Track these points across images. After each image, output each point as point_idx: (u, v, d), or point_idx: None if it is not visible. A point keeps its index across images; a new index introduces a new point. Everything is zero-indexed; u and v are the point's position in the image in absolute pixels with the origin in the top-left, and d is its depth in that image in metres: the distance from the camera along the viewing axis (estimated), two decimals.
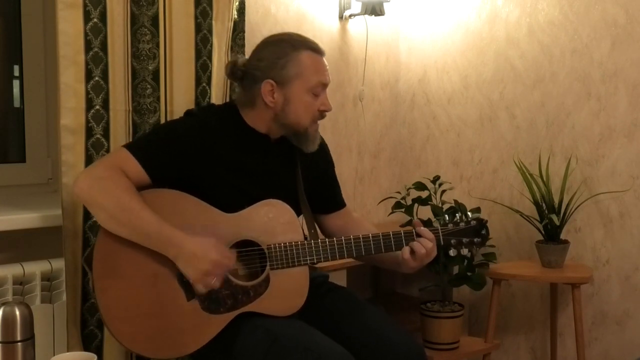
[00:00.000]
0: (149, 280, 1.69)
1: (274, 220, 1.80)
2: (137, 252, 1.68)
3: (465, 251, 1.89)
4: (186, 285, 1.71)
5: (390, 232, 1.85)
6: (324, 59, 1.86)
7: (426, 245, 1.82)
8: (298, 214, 1.86)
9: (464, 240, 1.88)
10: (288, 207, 1.82)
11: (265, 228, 1.79)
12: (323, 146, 2.04)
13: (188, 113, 1.90)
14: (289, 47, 1.82)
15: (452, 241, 1.87)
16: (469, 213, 1.96)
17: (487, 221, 1.93)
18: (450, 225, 1.88)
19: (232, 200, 1.78)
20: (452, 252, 1.89)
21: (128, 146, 1.78)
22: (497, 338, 2.68)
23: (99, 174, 1.70)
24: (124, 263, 1.69)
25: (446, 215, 1.93)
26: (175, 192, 1.77)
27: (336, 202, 2.06)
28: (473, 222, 1.89)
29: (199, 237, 1.67)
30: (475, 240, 1.89)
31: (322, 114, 1.87)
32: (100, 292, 1.68)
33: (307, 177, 1.94)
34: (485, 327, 2.63)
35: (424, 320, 2.55)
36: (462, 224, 1.89)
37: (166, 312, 1.69)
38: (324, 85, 1.85)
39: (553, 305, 2.73)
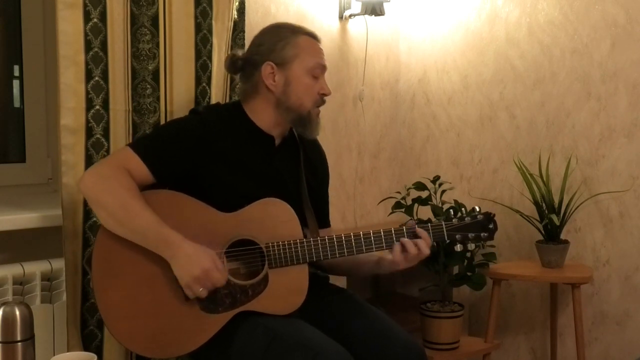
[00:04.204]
0: (148, 280, 1.69)
1: (273, 219, 1.79)
2: (136, 252, 1.68)
3: (472, 246, 1.86)
4: None
5: (392, 229, 1.83)
6: (321, 45, 1.92)
7: (421, 245, 1.81)
8: (301, 219, 1.84)
9: (470, 235, 1.85)
10: (287, 205, 1.80)
11: (264, 227, 1.78)
12: (324, 161, 2.07)
13: (192, 111, 1.91)
14: (287, 31, 1.90)
15: (457, 236, 1.85)
16: (476, 207, 1.91)
17: (494, 215, 1.90)
18: (455, 220, 1.86)
19: (233, 201, 1.78)
20: (458, 248, 1.86)
21: (132, 145, 1.79)
22: (497, 338, 2.67)
23: (103, 172, 1.72)
24: (123, 263, 1.70)
25: (451, 210, 1.89)
26: (173, 193, 1.77)
27: (323, 219, 2.03)
28: (480, 217, 1.87)
29: (198, 244, 1.67)
30: (482, 234, 1.86)
31: (322, 98, 1.91)
32: (100, 292, 1.69)
33: (307, 183, 1.94)
34: (485, 327, 2.63)
35: (424, 320, 2.55)
36: (467, 219, 1.86)
37: (165, 312, 1.70)
38: (322, 67, 1.90)
39: (553, 305, 2.73)
